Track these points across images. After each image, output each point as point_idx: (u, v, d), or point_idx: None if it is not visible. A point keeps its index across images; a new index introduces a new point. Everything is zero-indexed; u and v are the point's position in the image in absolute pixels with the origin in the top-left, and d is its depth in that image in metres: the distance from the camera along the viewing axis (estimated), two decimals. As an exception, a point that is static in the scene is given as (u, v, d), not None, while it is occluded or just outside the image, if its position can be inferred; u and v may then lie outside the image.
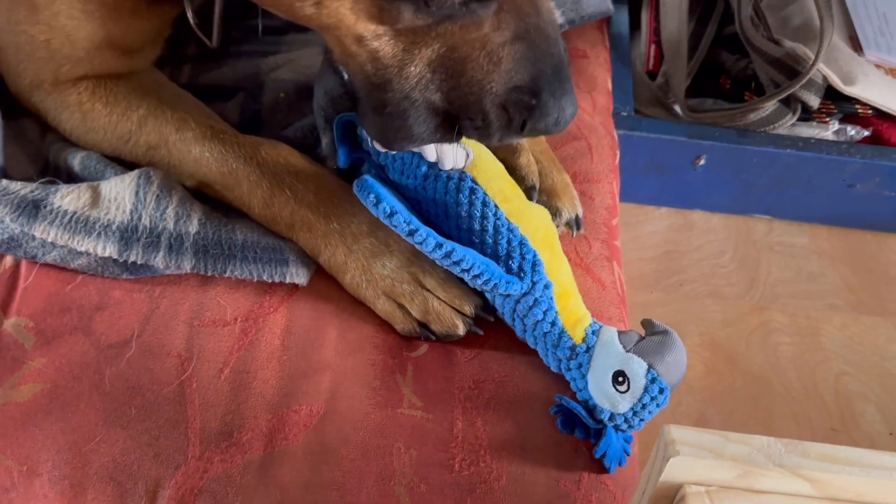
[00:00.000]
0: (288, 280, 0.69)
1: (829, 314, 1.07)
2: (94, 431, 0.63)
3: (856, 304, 1.09)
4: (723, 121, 1.08)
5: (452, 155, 0.65)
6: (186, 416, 0.64)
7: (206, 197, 0.73)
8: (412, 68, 0.60)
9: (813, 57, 1.00)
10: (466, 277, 0.64)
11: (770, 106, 1.05)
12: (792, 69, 1.03)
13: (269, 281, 0.70)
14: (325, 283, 0.72)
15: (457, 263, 0.63)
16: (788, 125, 1.06)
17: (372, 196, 0.62)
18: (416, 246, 0.64)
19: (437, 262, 0.65)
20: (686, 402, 0.97)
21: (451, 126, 0.63)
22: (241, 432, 0.63)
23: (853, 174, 1.08)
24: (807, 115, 1.08)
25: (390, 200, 0.62)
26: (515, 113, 0.61)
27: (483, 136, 0.63)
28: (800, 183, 1.10)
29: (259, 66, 0.80)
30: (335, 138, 0.70)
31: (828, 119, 1.09)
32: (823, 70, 1.04)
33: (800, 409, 0.98)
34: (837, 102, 1.09)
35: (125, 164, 0.74)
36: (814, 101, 1.05)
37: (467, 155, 0.66)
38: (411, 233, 0.63)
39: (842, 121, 1.10)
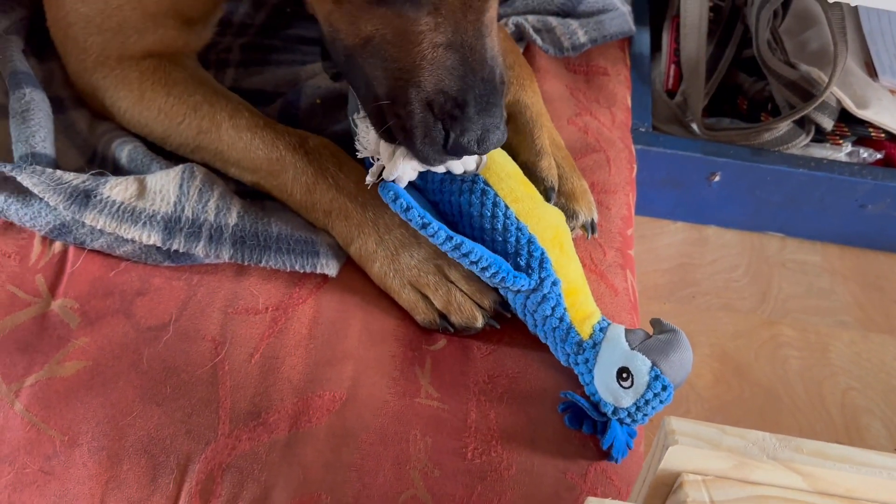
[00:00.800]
0: (318, 271, 0.74)
1: (838, 331, 1.09)
2: (132, 407, 0.67)
3: (865, 321, 1.11)
4: (738, 139, 1.11)
5: (462, 161, 0.69)
6: (218, 397, 0.68)
7: (243, 193, 0.78)
8: (354, 38, 0.65)
9: (827, 80, 1.03)
10: (476, 269, 0.68)
11: (784, 126, 1.08)
12: (807, 92, 1.06)
13: (301, 271, 0.74)
14: (352, 276, 0.76)
15: (466, 255, 0.67)
16: (802, 146, 1.09)
17: (391, 193, 0.67)
18: (429, 238, 0.68)
19: (449, 253, 0.69)
20: (694, 410, 1.00)
21: (381, 121, 0.67)
22: (268, 413, 0.67)
23: (865, 195, 1.10)
24: (820, 136, 1.11)
25: (407, 197, 0.67)
26: (439, 117, 0.64)
27: (408, 139, 0.66)
28: (812, 202, 1.12)
29: (297, 74, 0.85)
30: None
31: (841, 141, 1.11)
32: (837, 93, 1.07)
33: (806, 422, 1.01)
34: (851, 125, 1.11)
35: (170, 158, 0.79)
36: (827, 124, 1.08)
37: (480, 160, 0.70)
38: (424, 226, 0.67)
39: (855, 143, 1.13)
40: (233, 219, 0.73)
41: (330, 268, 0.74)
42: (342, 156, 0.77)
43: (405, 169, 0.68)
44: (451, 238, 0.67)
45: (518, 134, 0.77)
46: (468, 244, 0.67)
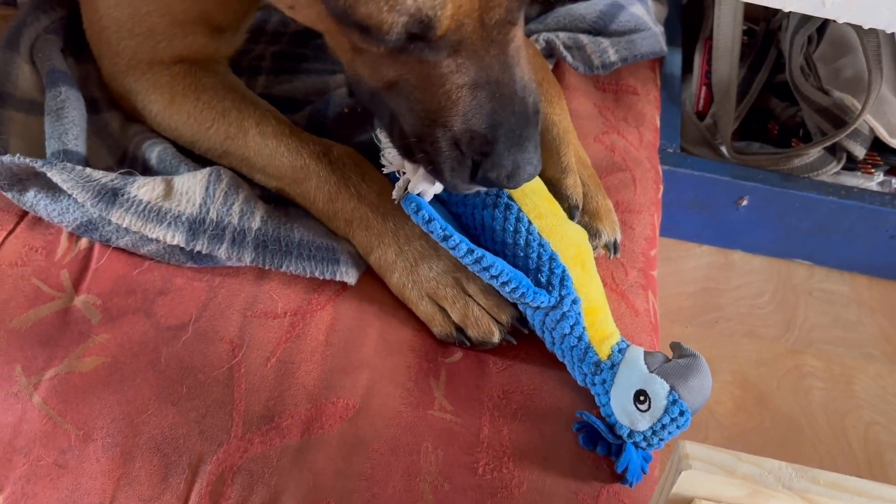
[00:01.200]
0: (338, 278, 0.74)
1: (863, 363, 1.07)
2: (147, 405, 0.67)
3: (892, 355, 1.09)
4: (767, 164, 1.10)
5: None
6: (233, 399, 0.68)
7: (268, 198, 0.79)
8: (378, 82, 0.64)
9: (860, 107, 1.02)
10: (496, 284, 0.68)
11: (815, 153, 1.07)
12: (839, 119, 1.05)
13: (321, 278, 0.74)
14: (371, 285, 0.76)
15: (486, 269, 0.67)
16: (832, 173, 1.08)
17: (413, 205, 0.67)
18: (450, 251, 0.68)
19: (469, 267, 0.68)
20: (713, 437, 0.98)
21: (409, 153, 0.66)
22: (281, 418, 0.68)
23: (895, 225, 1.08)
24: (852, 164, 1.10)
25: (429, 209, 0.67)
26: (468, 154, 0.62)
27: (436, 171, 0.65)
28: (841, 231, 1.10)
29: (327, 83, 0.86)
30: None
31: (873, 170, 1.10)
32: (870, 121, 1.06)
33: (827, 454, 0.99)
34: (883, 154, 1.10)
35: (198, 161, 0.80)
36: (859, 152, 1.07)
37: None
38: (445, 238, 0.67)
39: (887, 173, 1.11)
40: (256, 223, 0.74)
41: (349, 276, 0.74)
42: (365, 166, 0.77)
43: (429, 185, 0.68)
44: (472, 251, 0.67)
45: (544, 150, 0.77)
46: (489, 258, 0.67)
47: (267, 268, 0.74)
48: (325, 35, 0.67)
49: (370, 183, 0.76)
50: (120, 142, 0.83)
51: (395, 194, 0.71)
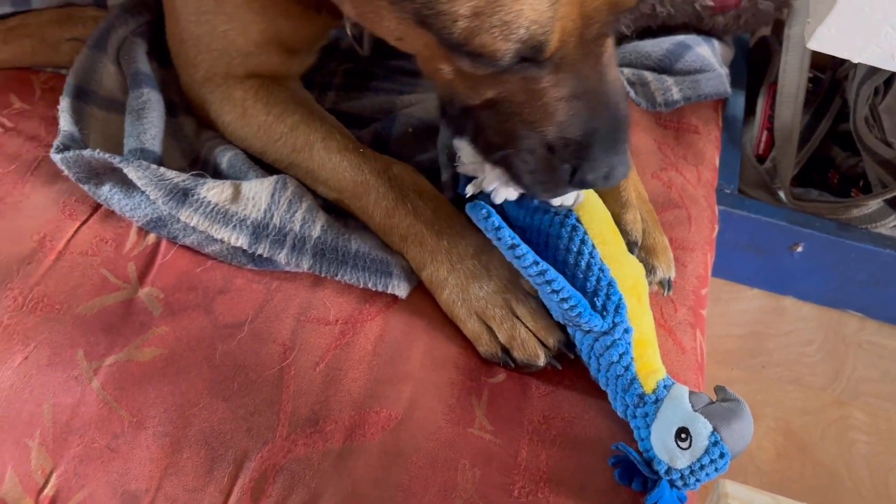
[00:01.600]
0: (390, 290, 0.76)
1: (912, 421, 1.05)
2: (199, 398, 0.70)
3: (942, 415, 1.06)
4: (825, 212, 1.09)
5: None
6: (280, 399, 0.70)
7: (329, 208, 0.81)
8: (476, 100, 0.66)
9: (926, 163, 1.01)
10: (554, 299, 0.68)
11: (875, 204, 1.06)
12: (903, 172, 1.04)
13: (373, 289, 0.76)
14: (420, 300, 0.77)
15: (548, 283, 0.67)
16: (891, 226, 1.06)
17: (483, 211, 0.69)
18: (514, 261, 0.69)
19: (531, 279, 0.69)
20: (752, 482, 0.97)
21: (491, 156, 0.68)
22: (325, 422, 0.69)
23: (955, 284, 1.06)
24: (912, 218, 1.08)
25: (497, 218, 0.68)
26: (565, 159, 0.64)
27: (532, 177, 0.66)
28: (897, 285, 1.09)
29: (393, 102, 0.88)
30: (460, 171, 0.77)
31: (934, 226, 1.08)
32: (935, 177, 1.04)
33: (868, 511, 0.97)
34: (947, 211, 1.08)
35: (266, 169, 0.83)
36: (921, 206, 1.05)
37: (577, 197, 0.71)
38: (513, 247, 0.68)
39: (950, 230, 1.09)
40: (316, 231, 0.76)
41: (401, 289, 0.76)
42: (423, 184, 0.79)
43: (503, 185, 0.69)
44: (538, 263, 0.68)
45: None
46: (552, 272, 0.68)
47: (323, 275, 0.77)
48: (422, 59, 0.69)
49: (426, 200, 0.78)
50: (193, 145, 0.87)
51: (469, 189, 0.72)
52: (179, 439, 0.68)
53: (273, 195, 0.77)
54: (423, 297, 0.78)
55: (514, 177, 0.68)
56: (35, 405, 0.68)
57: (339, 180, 0.80)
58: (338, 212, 0.81)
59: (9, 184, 0.81)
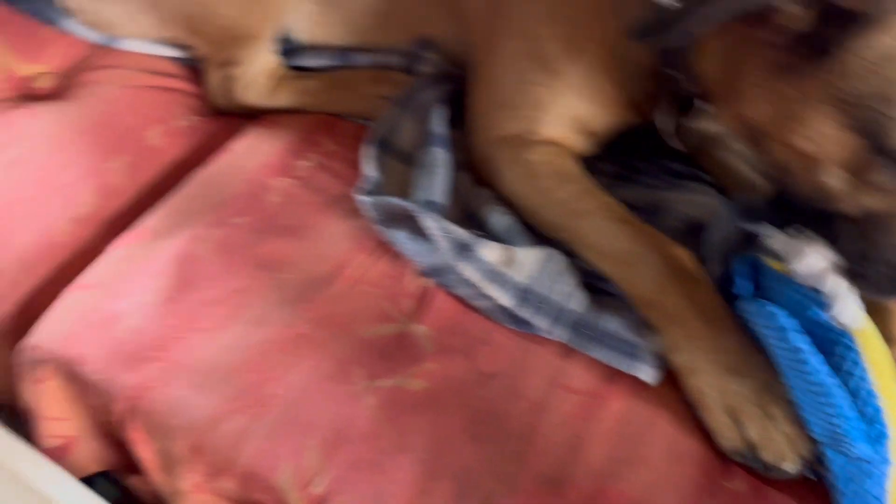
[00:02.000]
0: (635, 373, 0.80)
1: None
2: (455, 435, 0.76)
3: None
4: None
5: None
6: (527, 452, 0.76)
7: (587, 285, 0.87)
8: (844, 205, 0.69)
9: None
10: (820, 414, 0.69)
11: None
12: None
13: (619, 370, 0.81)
14: (665, 386, 0.80)
15: (823, 395, 0.68)
16: None
17: (771, 311, 0.73)
18: (796, 366, 0.71)
19: (803, 390, 0.70)
20: None
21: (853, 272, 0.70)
22: (567, 487, 0.73)
23: None
24: None
25: (786, 321, 0.72)
26: None
27: (867, 281, 0.69)
28: None
29: (658, 197, 0.94)
30: (736, 270, 0.81)
31: None
32: None
33: None
34: None
35: (532, 231, 0.90)
36: None
37: (859, 317, 0.72)
38: (795, 350, 0.70)
39: None
40: (576, 306, 0.83)
41: (649, 376, 0.80)
42: (697, 269, 0.82)
43: (854, 305, 0.71)
44: (818, 373, 0.69)
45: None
46: (829, 385, 0.68)
47: (575, 348, 0.83)
48: (815, 165, 0.70)
49: (696, 284, 0.80)
50: (465, 199, 0.96)
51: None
52: (434, 469, 0.74)
53: (544, 266, 0.85)
54: (668, 383, 0.81)
55: (864, 283, 0.70)
56: (316, 410, 0.78)
57: (610, 246, 0.84)
58: (594, 290, 0.87)
59: (316, 212, 0.93)
